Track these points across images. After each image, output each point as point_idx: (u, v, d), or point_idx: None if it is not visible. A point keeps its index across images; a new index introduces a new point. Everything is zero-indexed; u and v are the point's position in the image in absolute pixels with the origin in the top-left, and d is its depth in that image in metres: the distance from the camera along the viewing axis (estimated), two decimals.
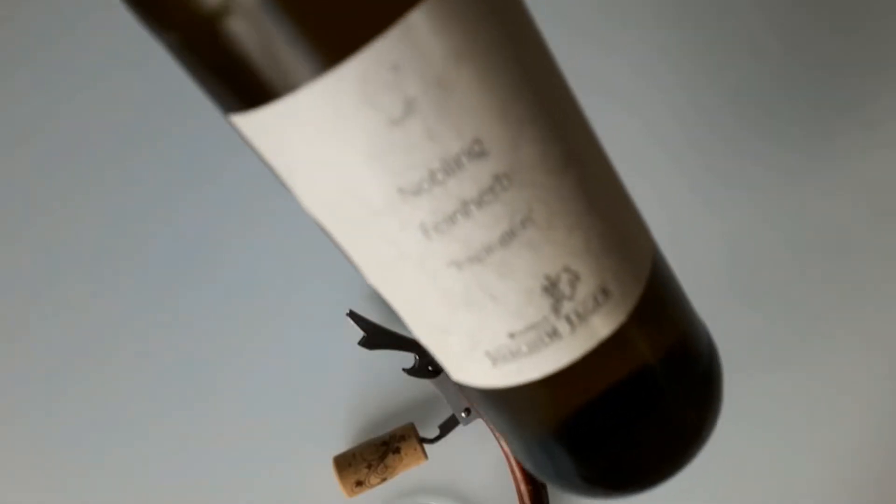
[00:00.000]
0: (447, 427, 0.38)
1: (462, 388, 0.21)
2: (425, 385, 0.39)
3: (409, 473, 0.39)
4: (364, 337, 0.37)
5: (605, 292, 0.18)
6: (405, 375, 0.38)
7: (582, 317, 0.18)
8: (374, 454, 0.37)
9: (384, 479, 0.37)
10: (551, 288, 0.18)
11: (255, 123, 0.17)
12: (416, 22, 0.15)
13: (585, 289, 0.18)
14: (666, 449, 0.22)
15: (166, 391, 0.37)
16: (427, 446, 0.38)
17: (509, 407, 0.20)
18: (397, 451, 0.38)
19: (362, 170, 0.16)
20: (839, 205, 0.38)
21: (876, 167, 0.38)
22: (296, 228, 0.37)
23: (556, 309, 0.18)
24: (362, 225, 0.17)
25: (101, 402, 0.37)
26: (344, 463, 0.37)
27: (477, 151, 0.16)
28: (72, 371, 0.37)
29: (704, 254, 0.38)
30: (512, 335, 0.18)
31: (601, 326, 0.18)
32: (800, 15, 0.37)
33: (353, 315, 0.37)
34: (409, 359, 0.38)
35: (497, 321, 0.18)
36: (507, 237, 0.17)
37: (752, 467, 0.39)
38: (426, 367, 0.37)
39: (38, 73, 0.35)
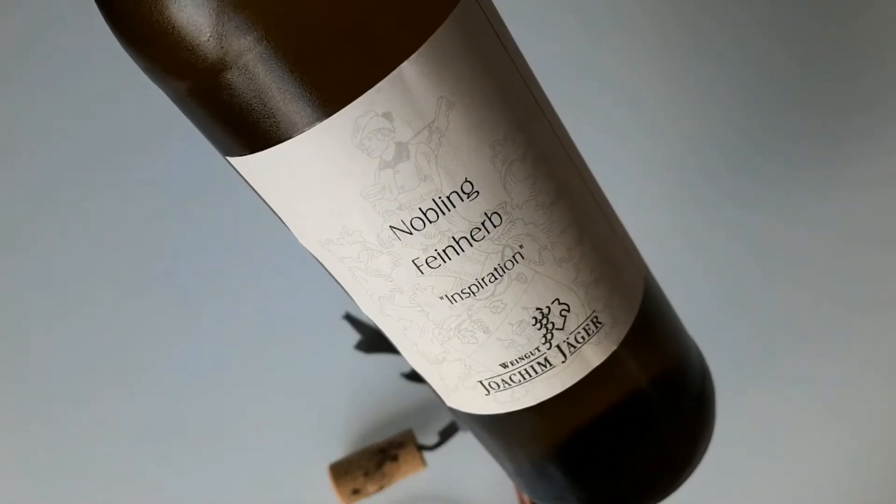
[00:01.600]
0: (447, 434, 0.38)
1: (455, 414, 0.22)
2: (424, 391, 0.39)
3: (408, 481, 0.39)
4: (361, 340, 0.37)
5: (596, 323, 0.19)
6: (403, 380, 0.38)
7: (574, 347, 0.19)
8: (371, 461, 0.37)
9: (382, 488, 0.37)
10: (542, 320, 0.18)
11: (252, 166, 0.17)
12: (406, 72, 0.16)
13: (576, 320, 0.19)
14: (660, 471, 0.22)
15: (159, 395, 0.37)
16: (426, 453, 0.39)
17: (504, 432, 0.21)
18: (395, 458, 0.38)
19: (356, 210, 0.17)
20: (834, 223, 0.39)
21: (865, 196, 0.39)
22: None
23: (547, 340, 0.18)
24: (356, 261, 0.18)
25: (94, 406, 0.37)
26: (340, 471, 0.37)
27: (467, 191, 0.17)
28: (69, 373, 0.37)
29: (698, 271, 0.39)
30: (505, 365, 0.19)
31: (593, 356, 0.19)
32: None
33: (350, 318, 0.37)
34: (407, 363, 0.38)
35: (490, 352, 0.18)
36: (498, 272, 0.18)
37: (745, 483, 0.40)
38: None
39: (55, 71, 0.36)
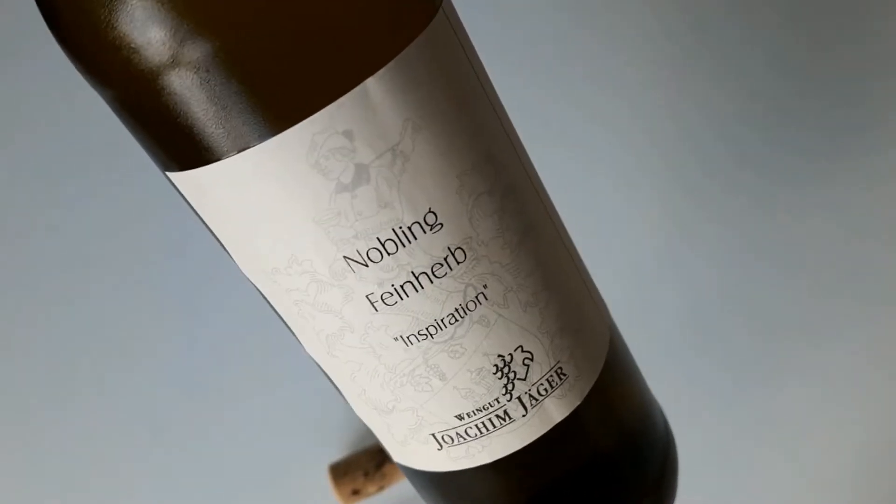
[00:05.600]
0: None
1: (404, 471, 0.20)
2: None
3: (408, 483, 0.38)
4: None
5: (560, 374, 0.17)
6: None
7: (535, 399, 0.17)
8: (370, 462, 0.37)
9: (381, 488, 0.37)
10: (504, 368, 0.17)
11: (192, 182, 0.16)
12: (371, 89, 0.15)
13: (540, 370, 0.17)
14: None
15: (156, 393, 0.36)
16: None
17: (455, 492, 0.19)
18: None
19: (307, 237, 0.15)
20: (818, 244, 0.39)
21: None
22: None
23: (508, 391, 0.17)
24: (304, 294, 0.16)
25: (88, 405, 0.36)
26: (339, 471, 0.36)
27: (430, 222, 0.16)
28: (63, 370, 0.36)
29: (696, 264, 0.38)
30: (461, 417, 0.17)
31: (555, 410, 0.18)
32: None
33: None
34: None
35: (445, 402, 0.17)
36: (459, 313, 0.16)
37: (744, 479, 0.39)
38: None
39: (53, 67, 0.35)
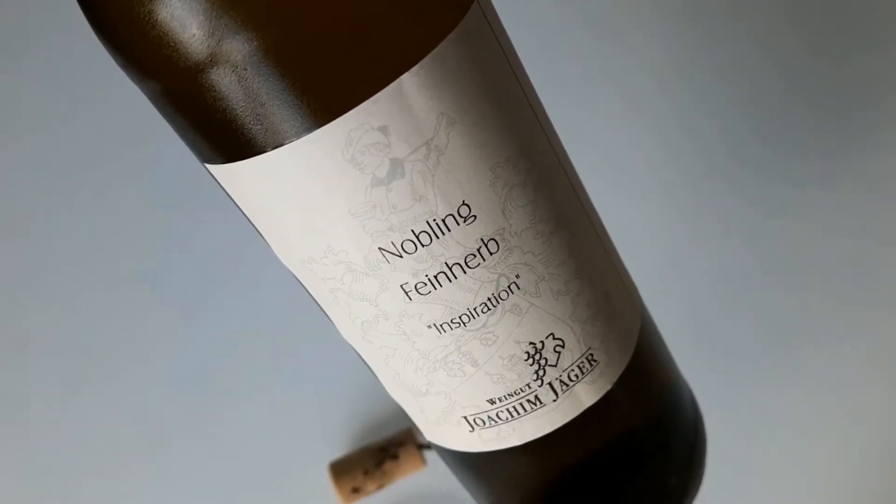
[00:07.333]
0: None
1: (436, 449, 0.21)
2: None
3: (408, 480, 0.38)
4: None
5: (591, 360, 0.18)
6: None
7: (566, 385, 0.18)
8: (370, 460, 0.37)
9: (381, 486, 0.37)
10: (535, 355, 0.17)
11: (232, 175, 0.16)
12: (407, 85, 0.15)
13: (571, 357, 0.17)
14: None
15: (156, 392, 0.37)
16: (426, 452, 0.38)
17: (486, 471, 0.20)
18: (395, 456, 0.37)
19: (343, 229, 0.16)
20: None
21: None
22: None
23: (539, 377, 0.17)
24: (340, 283, 0.17)
25: (87, 402, 0.37)
26: (340, 469, 0.37)
27: (464, 215, 0.16)
28: (63, 370, 0.37)
29: (701, 264, 0.38)
30: (492, 401, 0.18)
31: (586, 395, 0.18)
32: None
33: None
34: None
35: (477, 387, 0.17)
36: (492, 302, 0.16)
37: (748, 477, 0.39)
38: None
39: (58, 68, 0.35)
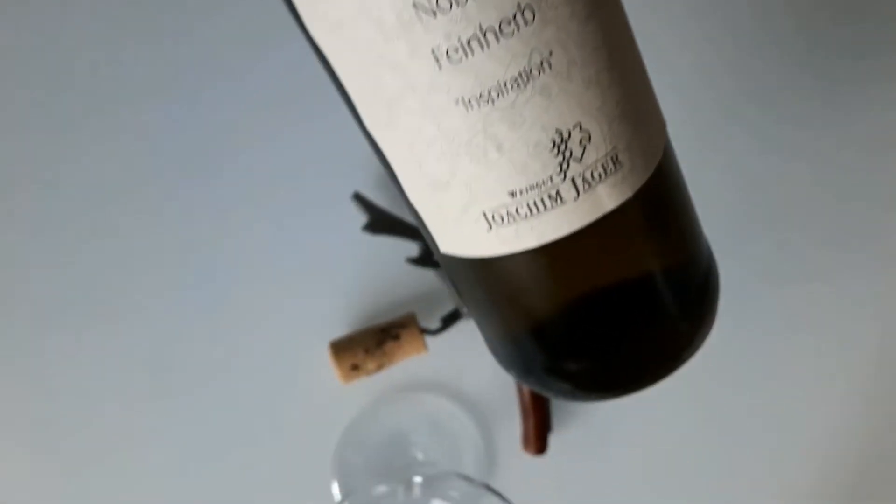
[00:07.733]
0: (450, 320, 0.38)
1: (447, 266, 0.20)
2: (429, 277, 0.38)
3: (406, 368, 0.38)
4: (368, 222, 0.36)
5: (615, 161, 0.17)
6: (409, 266, 0.37)
7: (588, 183, 0.17)
8: (372, 339, 0.37)
9: (381, 366, 0.37)
10: (561, 145, 0.17)
11: None
12: None
13: (595, 153, 0.17)
14: (655, 355, 0.21)
15: (164, 275, 0.37)
16: (427, 338, 0.38)
17: (497, 289, 0.20)
18: (397, 337, 0.37)
19: None
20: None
21: None
22: (306, 101, 0.36)
23: (562, 170, 0.17)
24: (369, 49, 0.16)
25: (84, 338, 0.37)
26: (340, 346, 0.36)
27: None
28: (61, 306, 0.37)
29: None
30: (513, 194, 0.17)
31: (607, 197, 0.18)
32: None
33: (358, 197, 0.36)
34: (414, 249, 0.37)
35: (500, 175, 0.17)
36: (522, 78, 0.16)
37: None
38: (431, 256, 0.36)
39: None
